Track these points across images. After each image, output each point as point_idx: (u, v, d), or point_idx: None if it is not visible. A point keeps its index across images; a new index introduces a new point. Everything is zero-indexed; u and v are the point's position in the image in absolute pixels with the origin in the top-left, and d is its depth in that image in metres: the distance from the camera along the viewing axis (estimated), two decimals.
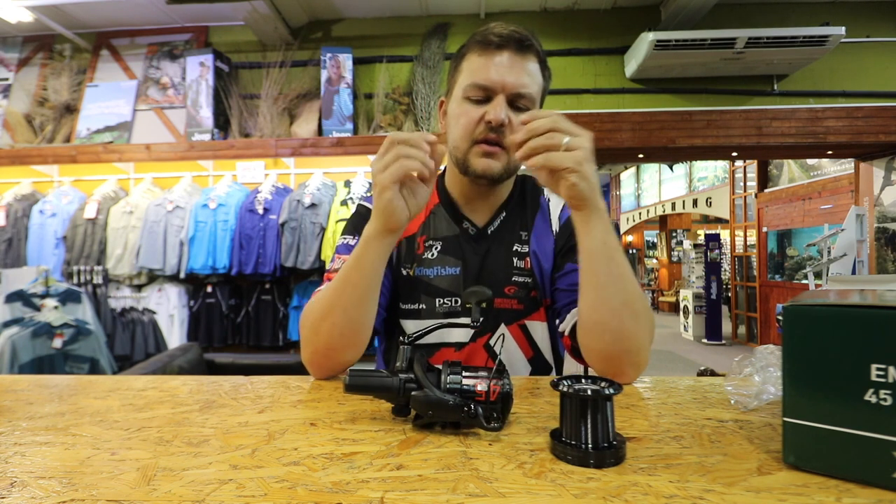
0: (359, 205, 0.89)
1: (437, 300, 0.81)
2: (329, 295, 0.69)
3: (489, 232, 0.85)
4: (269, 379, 0.71)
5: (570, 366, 0.94)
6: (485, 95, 0.75)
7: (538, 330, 0.82)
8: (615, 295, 0.64)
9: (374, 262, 0.67)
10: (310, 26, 3.67)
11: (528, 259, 0.83)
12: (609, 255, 0.64)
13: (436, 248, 0.83)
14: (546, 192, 0.90)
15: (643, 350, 0.66)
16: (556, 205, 0.88)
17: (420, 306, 0.81)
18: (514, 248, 0.83)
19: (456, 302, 0.80)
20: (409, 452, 0.44)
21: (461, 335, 0.80)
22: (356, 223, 0.85)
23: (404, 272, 0.83)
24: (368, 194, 3.17)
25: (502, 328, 0.80)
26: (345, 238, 0.84)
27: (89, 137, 3.61)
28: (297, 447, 0.45)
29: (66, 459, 0.42)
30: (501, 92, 0.74)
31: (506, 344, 0.80)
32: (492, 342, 0.80)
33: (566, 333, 0.76)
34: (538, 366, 0.83)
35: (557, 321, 0.81)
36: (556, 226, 0.86)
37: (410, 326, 0.81)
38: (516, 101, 0.75)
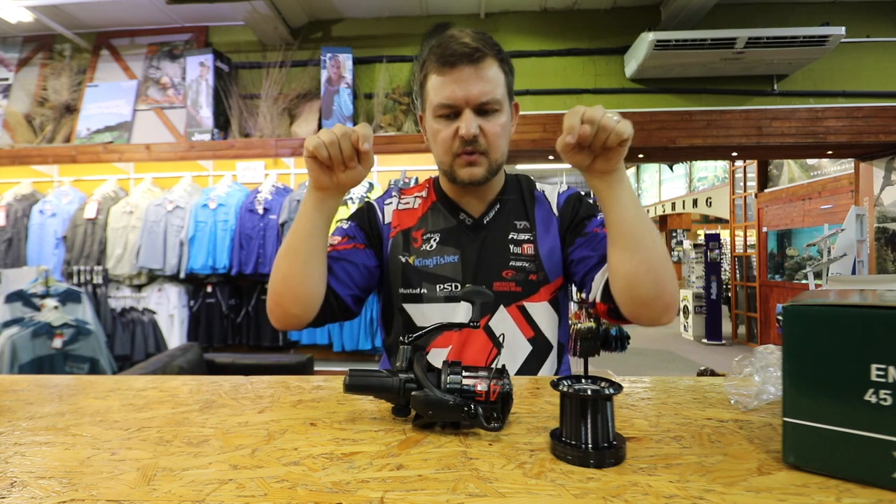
0: (365, 202, 0.95)
1: (437, 286, 0.84)
2: (281, 249, 0.76)
3: (485, 222, 0.89)
4: (269, 379, 0.71)
5: (571, 367, 0.95)
6: (452, 112, 0.81)
7: (538, 311, 0.85)
8: (650, 246, 0.68)
9: (311, 216, 0.73)
10: (310, 26, 3.67)
11: (525, 246, 0.87)
12: (637, 209, 0.69)
13: (434, 240, 0.88)
14: (538, 185, 0.96)
15: (676, 287, 0.71)
16: (550, 192, 0.94)
17: (421, 291, 0.85)
18: (511, 235, 0.88)
19: (455, 287, 0.84)
20: (409, 452, 0.44)
21: (461, 317, 0.83)
22: (355, 213, 0.93)
23: (403, 260, 0.87)
24: (368, 195, 3.14)
25: (501, 310, 0.84)
26: (339, 222, 0.92)
27: (89, 137, 3.61)
28: (297, 447, 0.45)
29: (66, 459, 0.42)
30: (467, 106, 0.79)
31: (506, 325, 0.83)
32: (491, 324, 0.83)
33: (598, 300, 0.79)
34: (539, 345, 0.85)
35: (584, 293, 0.83)
36: (556, 210, 0.91)
37: (413, 310, 0.85)
38: (484, 108, 0.80)
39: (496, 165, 0.84)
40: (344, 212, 3.07)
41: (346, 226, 0.90)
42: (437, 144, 0.83)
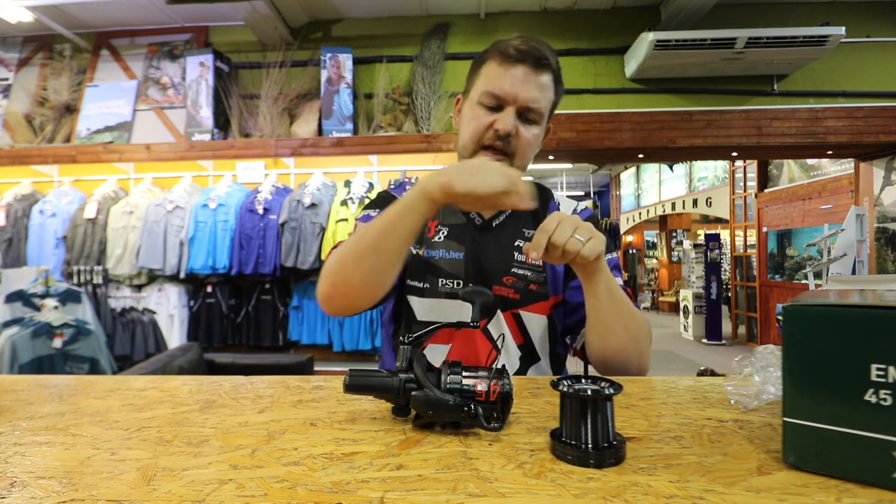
0: (384, 191, 0.95)
1: (440, 280, 0.85)
2: (362, 244, 0.70)
3: (494, 225, 0.89)
4: (269, 379, 0.71)
5: (569, 367, 0.95)
6: (497, 104, 0.80)
7: (532, 321, 0.85)
8: (620, 334, 0.72)
9: (418, 220, 0.67)
10: (310, 26, 3.67)
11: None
12: (613, 300, 0.70)
13: (443, 233, 0.88)
14: (556, 196, 0.95)
15: (644, 362, 0.76)
16: (566, 209, 0.93)
17: (424, 285, 0.85)
18: (517, 242, 0.87)
19: (458, 284, 0.84)
20: (409, 452, 0.44)
21: (461, 314, 0.83)
22: (384, 200, 0.90)
23: (414, 251, 0.88)
24: (368, 195, 3.09)
25: (498, 314, 0.84)
26: (367, 211, 0.90)
27: (89, 137, 3.61)
28: (297, 447, 0.45)
29: (66, 459, 0.42)
30: (513, 104, 0.79)
31: (501, 329, 0.84)
32: (489, 327, 0.84)
33: (578, 348, 0.84)
34: (526, 353, 0.86)
35: (569, 339, 0.87)
36: None
37: (415, 303, 0.85)
38: (525, 114, 0.81)
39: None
40: (344, 211, 3.07)
41: (374, 214, 0.87)
42: (469, 129, 0.83)
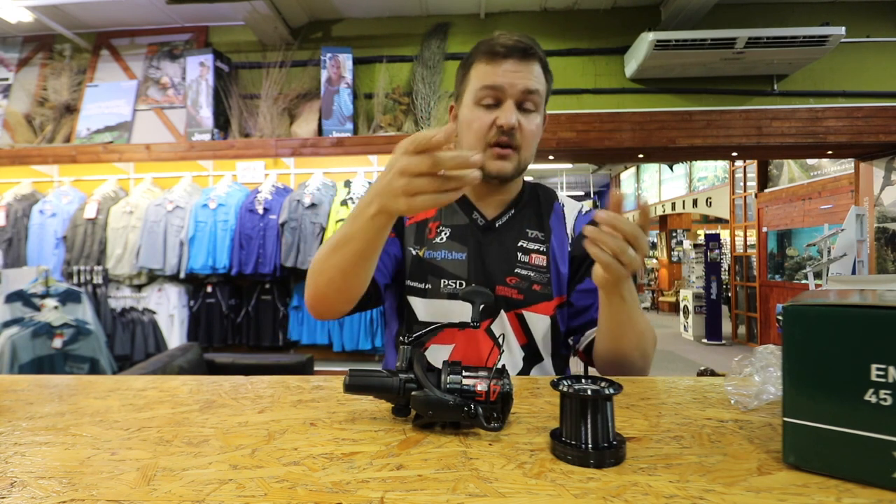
0: None
1: (442, 281, 0.84)
2: (335, 260, 0.68)
3: (497, 225, 0.89)
4: (269, 379, 0.71)
5: (572, 368, 0.95)
6: (495, 98, 0.80)
7: (535, 321, 0.85)
8: (629, 343, 0.74)
9: (378, 235, 0.64)
10: (310, 26, 3.67)
11: (533, 255, 0.87)
12: (629, 315, 0.71)
13: (445, 234, 0.88)
14: (560, 197, 0.95)
15: (647, 367, 0.78)
16: (570, 210, 0.93)
17: (426, 286, 0.85)
18: (520, 243, 0.87)
19: (460, 285, 0.84)
20: (409, 452, 0.44)
21: (463, 315, 0.83)
22: None
23: (414, 252, 0.87)
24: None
25: (502, 314, 0.84)
26: None
27: (89, 137, 3.61)
28: (297, 447, 0.45)
29: (66, 459, 0.42)
30: (511, 95, 0.79)
31: (504, 329, 0.84)
32: (492, 327, 0.84)
33: (581, 349, 0.85)
34: (529, 353, 0.86)
35: (572, 340, 0.88)
36: (569, 229, 0.91)
37: (417, 303, 0.85)
38: (525, 102, 0.80)
39: (523, 165, 0.84)
40: (344, 211, 3.07)
41: None
42: (471, 132, 0.81)
